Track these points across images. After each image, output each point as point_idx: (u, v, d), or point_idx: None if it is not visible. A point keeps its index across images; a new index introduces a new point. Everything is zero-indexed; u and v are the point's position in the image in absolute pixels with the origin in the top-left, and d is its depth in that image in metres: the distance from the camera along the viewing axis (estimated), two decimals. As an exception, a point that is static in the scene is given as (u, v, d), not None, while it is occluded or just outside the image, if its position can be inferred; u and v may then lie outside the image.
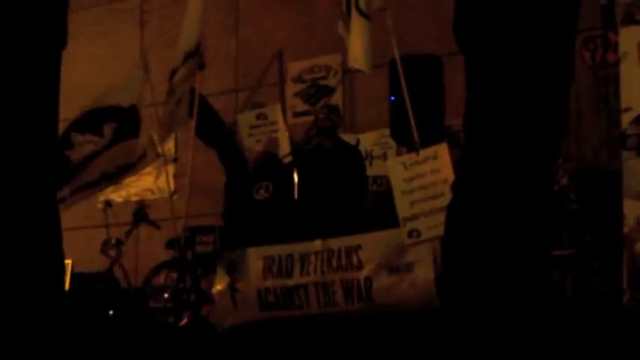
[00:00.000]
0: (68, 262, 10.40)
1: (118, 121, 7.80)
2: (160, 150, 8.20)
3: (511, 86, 1.79)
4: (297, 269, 6.74)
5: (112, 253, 8.67)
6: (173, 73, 7.66)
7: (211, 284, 7.21)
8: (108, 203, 8.64)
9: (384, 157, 8.91)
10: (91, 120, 7.82)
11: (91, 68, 10.11)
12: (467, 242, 1.82)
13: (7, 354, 2.16)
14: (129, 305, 8.31)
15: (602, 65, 7.62)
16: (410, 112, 6.68)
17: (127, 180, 9.53)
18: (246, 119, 8.15)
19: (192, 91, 7.95)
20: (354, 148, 8.34)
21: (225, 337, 6.87)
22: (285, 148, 7.98)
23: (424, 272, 6.26)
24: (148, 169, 9.07)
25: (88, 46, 10.07)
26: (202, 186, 8.86)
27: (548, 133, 1.82)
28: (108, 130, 7.78)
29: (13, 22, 2.17)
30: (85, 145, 7.73)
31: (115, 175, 7.94)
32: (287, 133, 7.89)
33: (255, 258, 6.93)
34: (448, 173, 6.20)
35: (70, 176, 7.63)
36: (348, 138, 8.61)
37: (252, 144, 8.12)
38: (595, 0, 7.28)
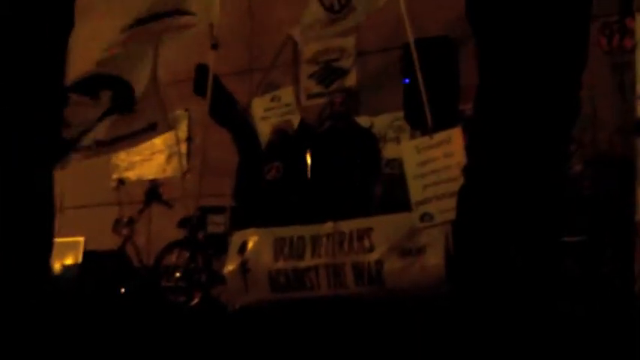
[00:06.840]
0: (80, 239, 10.49)
1: (114, 91, 7.77)
2: (172, 124, 8.18)
3: (523, 70, 1.78)
4: (308, 251, 6.73)
5: (125, 231, 8.70)
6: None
7: (223, 264, 7.22)
8: (121, 181, 8.65)
9: (398, 140, 8.89)
10: (90, 83, 7.78)
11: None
12: (478, 226, 1.81)
13: None
14: (140, 284, 8.35)
15: (619, 51, 7.57)
16: (424, 95, 6.66)
17: (140, 158, 9.55)
18: (260, 102, 8.15)
19: (206, 70, 7.94)
20: (368, 131, 8.32)
21: (235, 318, 6.89)
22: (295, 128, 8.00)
23: (435, 256, 6.23)
24: (160, 147, 9.07)
25: (99, 19, 10.03)
26: (215, 166, 8.86)
27: (560, 118, 1.81)
28: (105, 96, 7.74)
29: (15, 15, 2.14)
30: (81, 105, 7.67)
31: (129, 138, 7.90)
32: (299, 115, 7.88)
33: (266, 239, 6.93)
34: (461, 157, 6.14)
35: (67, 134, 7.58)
36: (361, 120, 8.59)
37: (265, 126, 8.12)
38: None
